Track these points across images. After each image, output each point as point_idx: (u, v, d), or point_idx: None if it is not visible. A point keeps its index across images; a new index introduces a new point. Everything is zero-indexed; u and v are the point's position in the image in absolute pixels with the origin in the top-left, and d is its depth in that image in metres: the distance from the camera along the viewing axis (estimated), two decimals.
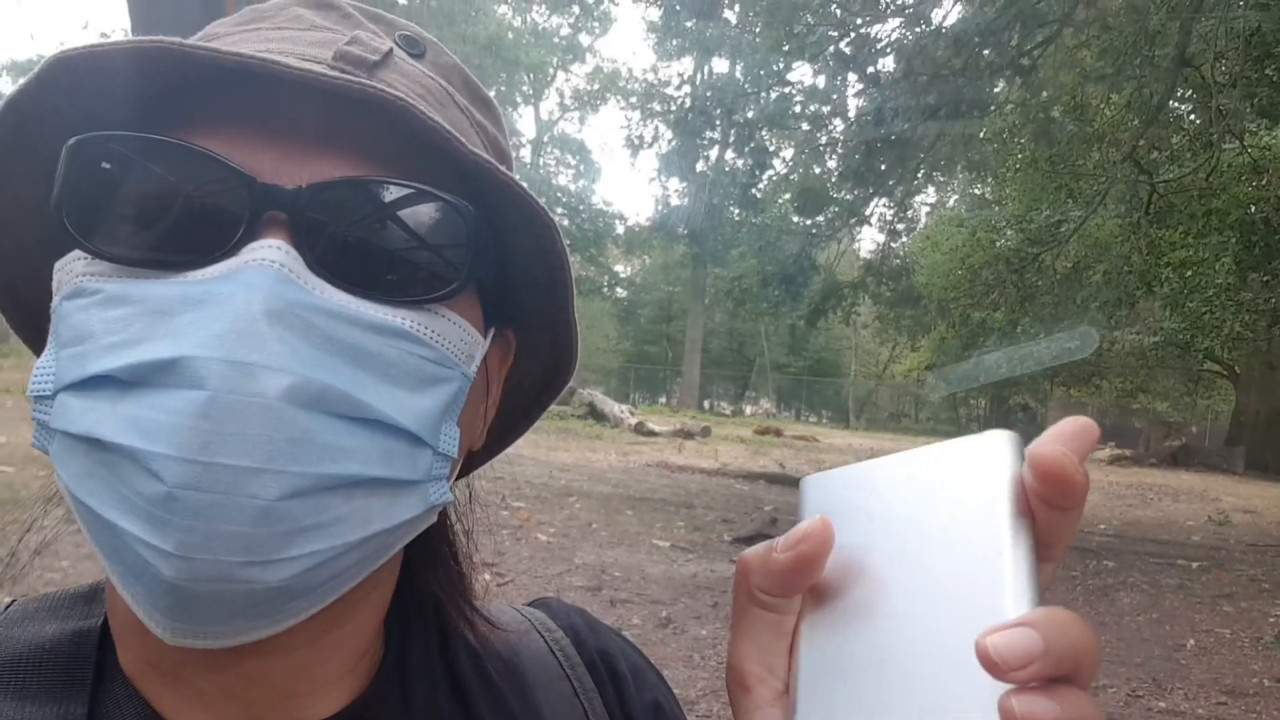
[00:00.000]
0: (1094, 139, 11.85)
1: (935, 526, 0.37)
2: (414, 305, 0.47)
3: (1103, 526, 10.86)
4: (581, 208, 39.11)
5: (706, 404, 39.44)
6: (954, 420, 37.41)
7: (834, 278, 15.78)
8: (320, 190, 0.45)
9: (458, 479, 0.56)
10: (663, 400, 39.78)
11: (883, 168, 13.13)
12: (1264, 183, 11.29)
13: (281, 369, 0.40)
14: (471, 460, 0.59)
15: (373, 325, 0.45)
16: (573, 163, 43.05)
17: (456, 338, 0.49)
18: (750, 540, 8.21)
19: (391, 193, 0.47)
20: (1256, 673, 5.13)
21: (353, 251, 0.46)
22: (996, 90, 12.61)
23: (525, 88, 39.95)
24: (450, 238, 0.48)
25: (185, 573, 0.40)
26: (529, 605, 0.69)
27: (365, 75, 0.48)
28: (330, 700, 0.52)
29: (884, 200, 14.93)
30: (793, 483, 12.90)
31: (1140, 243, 12.28)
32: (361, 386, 0.43)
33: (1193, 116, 13.06)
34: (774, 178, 19.83)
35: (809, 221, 17.11)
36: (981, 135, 13.73)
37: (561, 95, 43.45)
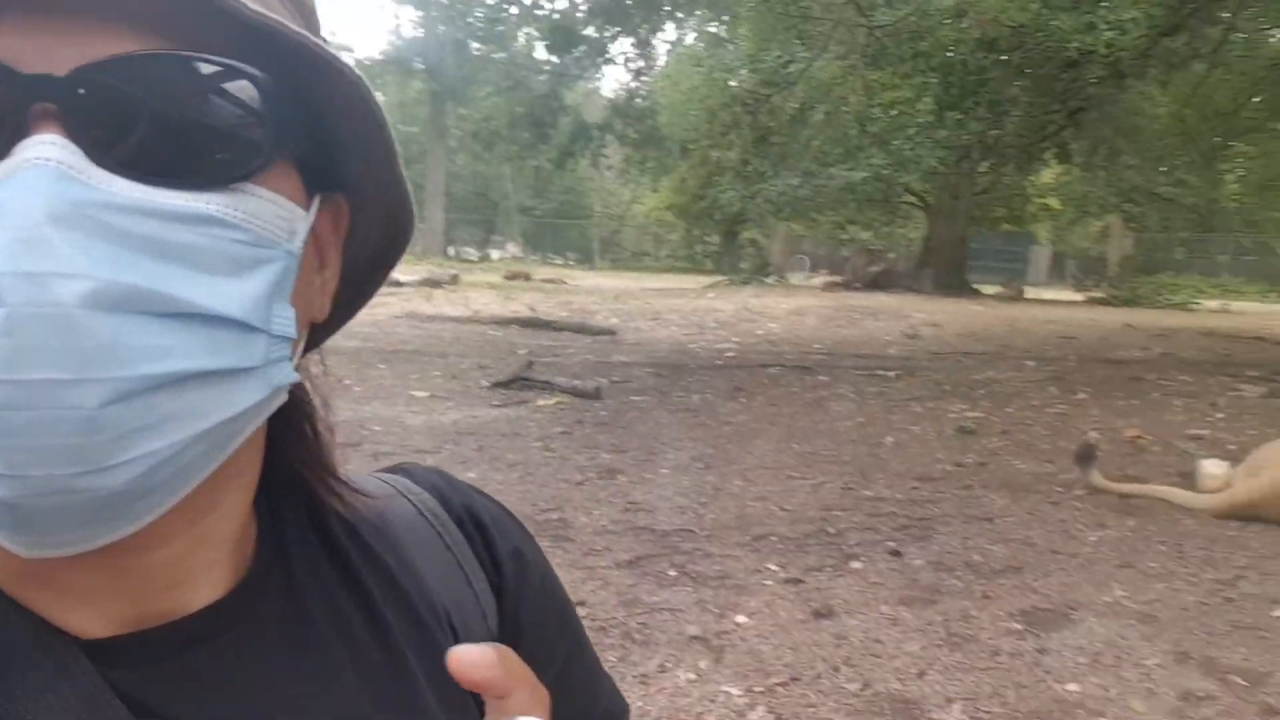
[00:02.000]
0: None
1: None
2: (218, 188, 0.44)
3: (817, 346, 12.18)
4: None
5: (452, 250, 38.51)
6: (691, 258, 39.41)
7: (582, 119, 15.62)
8: (91, 73, 0.41)
9: (306, 353, 0.56)
10: None
11: (629, 2, 12.92)
12: (964, 26, 12.38)
13: (76, 274, 0.38)
14: (319, 332, 0.58)
15: (174, 214, 0.42)
16: None
17: (273, 215, 0.46)
18: (508, 385, 8.31)
19: (175, 67, 0.42)
20: (940, 460, 6.13)
21: (138, 137, 0.42)
22: None
23: None
24: (247, 110, 0.44)
25: (21, 490, 0.39)
26: (385, 471, 0.70)
27: None
28: (214, 585, 0.52)
29: (630, 39, 14.79)
30: (545, 326, 13.17)
31: (857, 84, 13.22)
32: (171, 281, 0.41)
33: None
34: (519, 9, 18.91)
35: (557, 60, 16.62)
36: None
37: None
